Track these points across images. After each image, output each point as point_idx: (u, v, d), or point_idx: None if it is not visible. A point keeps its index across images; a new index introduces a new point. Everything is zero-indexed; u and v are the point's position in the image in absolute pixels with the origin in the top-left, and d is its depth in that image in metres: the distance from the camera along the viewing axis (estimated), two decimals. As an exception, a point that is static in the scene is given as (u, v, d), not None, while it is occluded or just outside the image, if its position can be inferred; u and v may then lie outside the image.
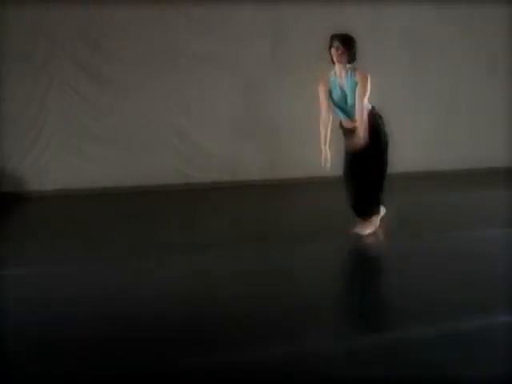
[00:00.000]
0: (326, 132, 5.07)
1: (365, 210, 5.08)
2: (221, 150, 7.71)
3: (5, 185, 7.08)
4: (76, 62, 7.20)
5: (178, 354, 2.97)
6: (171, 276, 4.23)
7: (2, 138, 7.04)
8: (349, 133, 4.95)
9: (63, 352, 3.00)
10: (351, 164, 5.01)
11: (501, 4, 8.64)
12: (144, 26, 7.35)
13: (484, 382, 2.71)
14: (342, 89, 4.87)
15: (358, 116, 4.77)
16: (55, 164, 7.26)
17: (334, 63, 4.84)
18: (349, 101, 4.84)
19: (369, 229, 5.09)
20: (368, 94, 4.79)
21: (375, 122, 4.88)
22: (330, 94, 4.97)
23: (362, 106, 4.75)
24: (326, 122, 5.05)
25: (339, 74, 4.86)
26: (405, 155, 7.62)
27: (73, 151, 7.29)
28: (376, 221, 5.14)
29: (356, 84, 4.77)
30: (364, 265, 4.71)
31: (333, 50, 4.77)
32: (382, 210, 5.22)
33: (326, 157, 5.10)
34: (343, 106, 4.90)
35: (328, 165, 5.08)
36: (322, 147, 5.10)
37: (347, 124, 4.95)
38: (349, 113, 4.88)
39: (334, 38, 4.76)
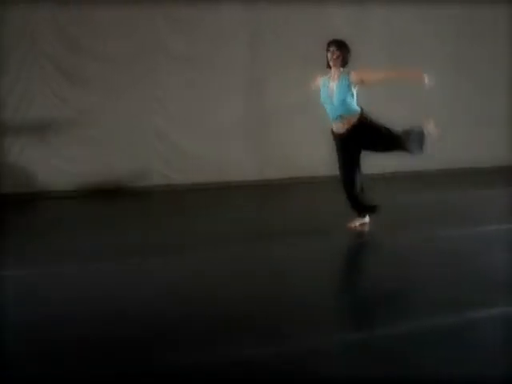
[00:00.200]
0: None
1: (359, 208, 5.33)
2: (202, 151, 7.66)
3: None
4: (55, 63, 7.10)
5: (165, 352, 2.97)
6: (153, 276, 4.25)
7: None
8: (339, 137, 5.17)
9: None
10: (343, 148, 5.17)
11: (487, 4, 8.78)
12: (124, 26, 7.27)
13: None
14: (331, 88, 5.10)
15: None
16: (33, 166, 7.12)
17: (329, 68, 5.13)
18: (335, 99, 5.05)
19: (359, 222, 5.36)
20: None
21: (362, 114, 5.08)
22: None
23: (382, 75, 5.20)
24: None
25: (332, 77, 5.12)
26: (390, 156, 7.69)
27: (52, 153, 7.18)
28: (366, 216, 5.39)
29: (348, 85, 5.02)
30: (350, 264, 4.79)
31: (329, 55, 5.08)
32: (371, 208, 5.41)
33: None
34: (330, 104, 5.11)
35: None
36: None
37: (336, 127, 5.14)
38: (335, 110, 5.08)
39: (330, 43, 5.10)
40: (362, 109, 5.10)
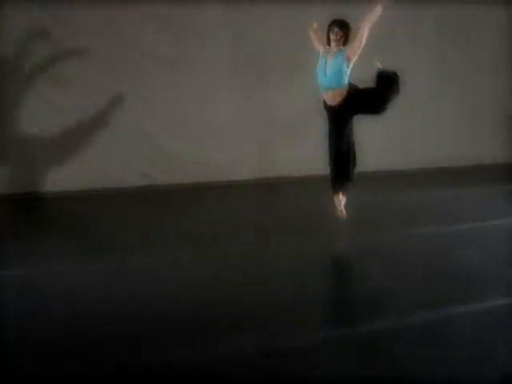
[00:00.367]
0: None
1: (342, 183, 5.44)
2: (186, 152, 7.64)
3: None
4: (38, 63, 7.04)
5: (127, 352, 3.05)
6: (132, 276, 4.30)
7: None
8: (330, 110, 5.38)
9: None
10: (334, 119, 5.37)
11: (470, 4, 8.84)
12: (108, 26, 7.21)
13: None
14: (327, 62, 5.31)
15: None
16: (15, 168, 7.06)
17: (329, 45, 5.35)
18: (328, 71, 5.28)
19: (341, 205, 5.50)
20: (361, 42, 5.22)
21: (351, 86, 5.31)
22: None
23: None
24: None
25: (331, 53, 5.33)
26: (372, 156, 7.80)
27: (38, 154, 7.14)
28: (343, 198, 5.51)
29: (342, 60, 5.22)
30: (331, 264, 4.85)
31: (332, 35, 5.29)
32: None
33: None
34: (323, 75, 5.33)
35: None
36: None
37: (328, 98, 5.34)
38: (326, 81, 5.30)
39: (333, 23, 5.33)
40: (350, 83, 5.32)
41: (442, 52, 8.83)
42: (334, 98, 5.30)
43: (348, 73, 5.28)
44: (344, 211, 5.50)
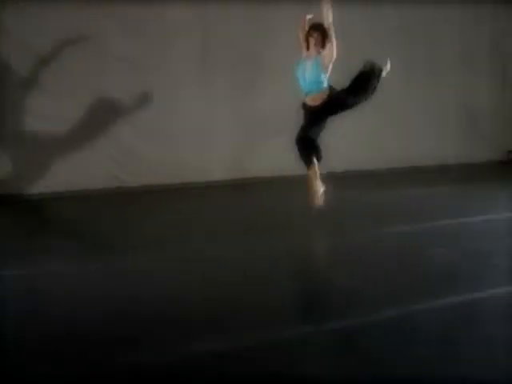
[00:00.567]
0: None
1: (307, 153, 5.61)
2: (154, 153, 7.61)
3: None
4: (7, 64, 6.95)
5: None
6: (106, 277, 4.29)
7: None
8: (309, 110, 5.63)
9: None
10: (311, 116, 5.62)
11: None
12: (72, 27, 7.13)
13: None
14: (306, 66, 5.58)
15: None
16: None
17: (308, 50, 5.63)
18: (308, 76, 5.56)
19: (319, 193, 5.65)
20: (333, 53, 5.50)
21: (331, 91, 5.61)
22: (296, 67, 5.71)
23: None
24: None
25: (309, 57, 5.60)
26: (341, 156, 7.90)
27: (8, 156, 7.06)
28: (322, 186, 5.66)
29: (320, 65, 5.51)
30: (301, 262, 4.83)
31: (312, 40, 5.60)
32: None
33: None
34: (303, 80, 5.61)
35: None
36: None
37: (309, 101, 5.61)
38: (307, 86, 5.58)
39: (311, 28, 5.60)
40: (330, 86, 5.61)
41: (406, 53, 8.92)
42: (314, 101, 5.57)
43: (327, 76, 5.52)
44: (321, 199, 5.63)
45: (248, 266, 4.55)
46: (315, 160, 5.62)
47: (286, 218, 5.95)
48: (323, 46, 5.55)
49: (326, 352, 3.08)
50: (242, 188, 7.74)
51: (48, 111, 7.10)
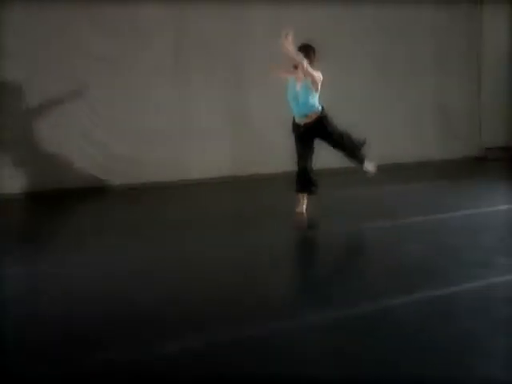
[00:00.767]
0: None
1: (305, 187, 5.92)
2: (127, 152, 7.60)
3: None
4: None
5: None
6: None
7: None
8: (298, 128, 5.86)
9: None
10: (301, 138, 5.87)
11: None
12: (46, 27, 7.09)
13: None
14: (297, 89, 5.72)
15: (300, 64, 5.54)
16: None
17: (296, 68, 5.65)
18: (300, 99, 5.71)
19: (303, 207, 5.97)
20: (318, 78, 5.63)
21: (323, 112, 5.82)
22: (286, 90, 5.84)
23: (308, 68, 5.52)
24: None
25: (298, 78, 5.69)
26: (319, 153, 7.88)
27: None
28: (306, 201, 5.99)
29: (309, 87, 5.64)
30: (279, 257, 4.85)
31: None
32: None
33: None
34: (296, 103, 5.76)
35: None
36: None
37: (300, 121, 5.82)
38: (300, 109, 5.77)
39: (299, 49, 5.60)
40: (322, 107, 5.80)
41: (382, 53, 9.04)
42: (307, 119, 5.78)
43: (317, 98, 5.74)
44: (304, 213, 5.92)
45: (222, 261, 4.58)
46: (308, 193, 5.94)
47: (263, 215, 6.03)
48: (310, 64, 5.59)
49: (302, 348, 3.08)
50: (216, 186, 7.79)
51: (20, 110, 7.07)
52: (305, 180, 5.91)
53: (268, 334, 3.23)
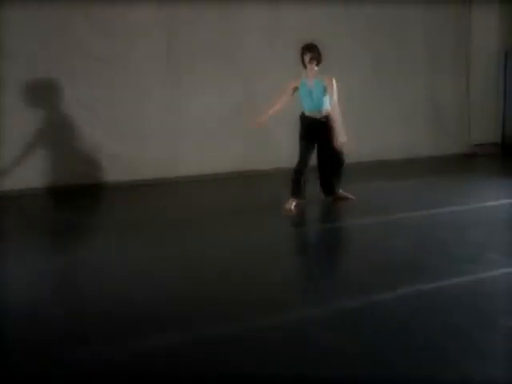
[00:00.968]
0: (278, 102, 6.16)
1: (297, 193, 6.05)
2: (121, 150, 7.63)
3: None
4: None
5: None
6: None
7: None
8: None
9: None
10: (308, 135, 6.08)
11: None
12: (40, 26, 7.10)
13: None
14: (309, 87, 5.99)
15: (333, 112, 5.94)
16: None
17: (305, 67, 5.97)
18: (314, 96, 5.97)
19: (292, 204, 6.01)
20: (336, 91, 5.92)
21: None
22: (297, 89, 6.10)
23: (336, 103, 5.90)
24: (284, 98, 6.16)
25: (309, 76, 5.98)
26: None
27: None
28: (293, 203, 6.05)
29: (324, 88, 5.94)
30: (266, 253, 4.88)
31: (305, 58, 5.95)
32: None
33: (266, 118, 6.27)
34: (309, 100, 6.00)
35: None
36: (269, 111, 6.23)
37: (312, 114, 6.04)
38: (315, 105, 6.01)
39: (304, 48, 5.95)
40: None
41: (374, 51, 9.09)
42: (320, 114, 6.01)
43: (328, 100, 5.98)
44: (293, 209, 5.95)
45: (205, 258, 4.61)
46: (298, 197, 6.05)
47: (248, 212, 6.07)
48: (317, 62, 5.95)
49: (285, 346, 3.08)
50: (207, 183, 7.81)
51: (15, 109, 7.07)
52: (297, 185, 6.03)
53: (245, 331, 3.25)
